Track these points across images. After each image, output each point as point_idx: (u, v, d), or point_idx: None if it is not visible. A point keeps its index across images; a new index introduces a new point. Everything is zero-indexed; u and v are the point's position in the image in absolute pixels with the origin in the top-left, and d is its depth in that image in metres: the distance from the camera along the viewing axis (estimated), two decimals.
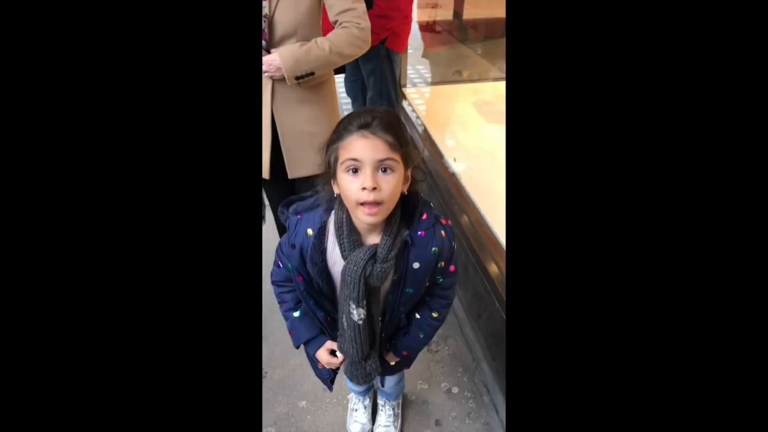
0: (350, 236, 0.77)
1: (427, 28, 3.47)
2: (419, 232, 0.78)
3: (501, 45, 3.39)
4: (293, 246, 0.81)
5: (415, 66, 3.26)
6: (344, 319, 0.83)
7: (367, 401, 1.35)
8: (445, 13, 3.58)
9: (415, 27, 2.51)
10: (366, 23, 1.22)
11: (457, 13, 3.51)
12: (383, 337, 0.93)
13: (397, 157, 0.70)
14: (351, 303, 0.78)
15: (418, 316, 0.93)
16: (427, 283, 0.85)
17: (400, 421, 1.34)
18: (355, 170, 0.69)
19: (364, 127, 0.69)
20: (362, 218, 0.72)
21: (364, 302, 0.78)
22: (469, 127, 2.38)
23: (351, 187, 0.70)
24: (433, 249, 0.79)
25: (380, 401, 1.34)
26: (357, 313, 0.80)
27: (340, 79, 3.34)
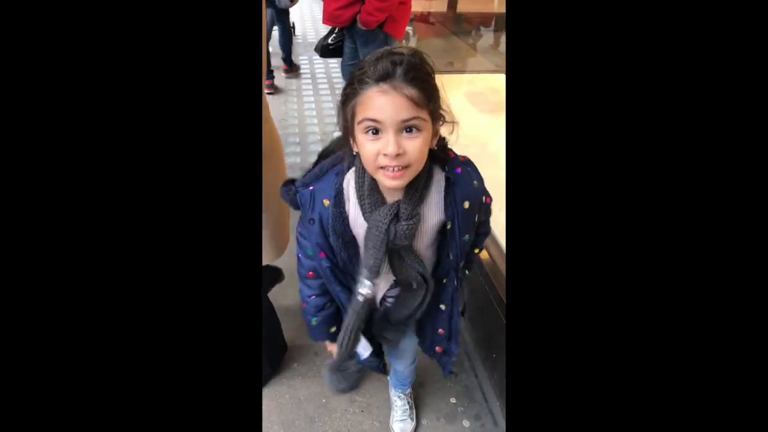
0: (372, 195, 0.68)
1: (420, 18, 3.54)
2: (456, 169, 0.71)
3: (492, 38, 3.48)
4: (311, 221, 0.72)
5: None
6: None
7: None
8: (440, 5, 3.65)
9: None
10: None
11: (452, 4, 3.59)
12: (425, 306, 0.81)
13: (424, 114, 0.60)
14: (365, 272, 0.70)
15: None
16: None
17: (415, 411, 1.34)
18: (376, 131, 0.60)
19: (384, 78, 0.58)
20: (385, 183, 0.64)
21: (378, 274, 0.70)
22: (460, 116, 2.47)
23: (371, 149, 0.61)
24: (475, 183, 0.73)
25: (392, 395, 1.33)
26: (364, 287, 0.71)
27: (335, 63, 3.38)
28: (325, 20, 2.18)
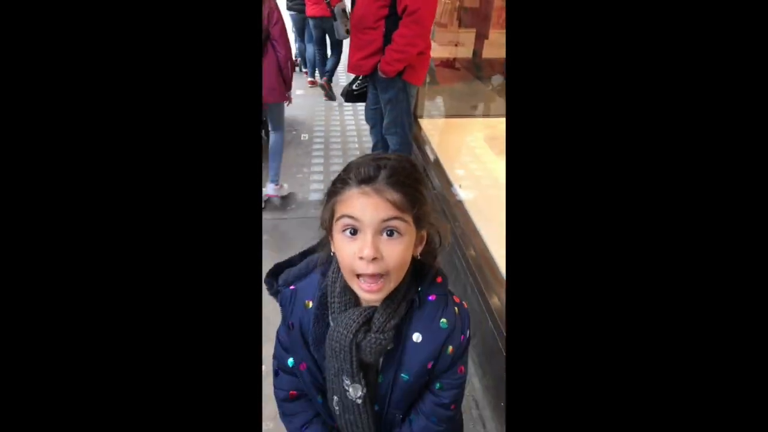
0: (343, 294, 0.61)
1: (446, 64, 3.68)
2: (430, 296, 0.63)
3: None
4: (291, 326, 0.66)
5: (432, 98, 3.45)
6: (337, 402, 0.65)
7: None
8: (465, 51, 3.78)
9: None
10: None
11: (476, 52, 3.72)
12: None
13: (406, 217, 0.56)
14: (344, 378, 0.62)
15: None
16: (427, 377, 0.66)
17: None
18: (354, 231, 0.56)
19: (367, 181, 0.55)
20: (361, 295, 0.58)
21: (361, 376, 0.61)
22: (479, 158, 2.51)
23: (347, 252, 0.56)
24: (442, 321, 0.63)
25: None
26: (353, 391, 0.62)
27: (362, 106, 3.54)
28: (350, 69, 2.32)
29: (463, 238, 1.83)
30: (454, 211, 1.98)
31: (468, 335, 0.66)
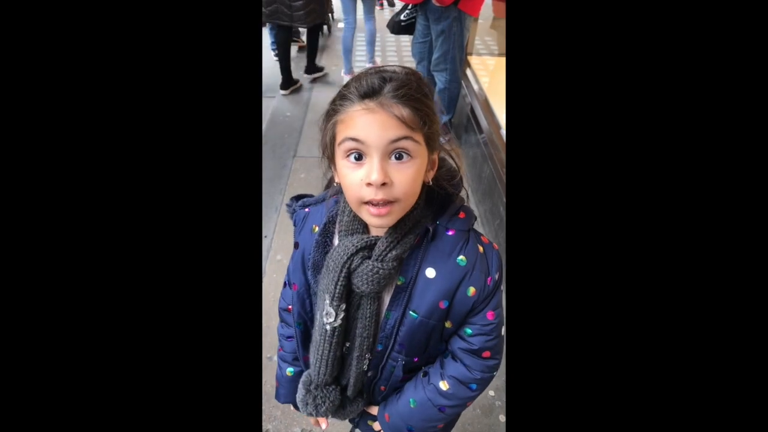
0: (351, 223, 0.58)
1: None
2: (449, 230, 0.58)
3: None
4: (296, 244, 0.65)
5: (483, 37, 3.19)
6: (317, 320, 0.63)
7: None
8: None
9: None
10: None
11: None
12: (372, 382, 0.68)
13: (417, 136, 0.50)
14: (326, 297, 0.58)
15: (421, 374, 0.67)
16: (449, 325, 0.61)
17: None
18: (358, 156, 0.50)
19: (370, 95, 0.49)
20: (369, 221, 0.54)
21: (342, 306, 0.58)
22: None
23: (353, 179, 0.50)
24: (460, 258, 0.57)
25: None
26: (327, 315, 0.59)
27: (407, 39, 3.33)
28: None
29: None
30: (503, 157, 1.88)
31: (497, 279, 0.60)
